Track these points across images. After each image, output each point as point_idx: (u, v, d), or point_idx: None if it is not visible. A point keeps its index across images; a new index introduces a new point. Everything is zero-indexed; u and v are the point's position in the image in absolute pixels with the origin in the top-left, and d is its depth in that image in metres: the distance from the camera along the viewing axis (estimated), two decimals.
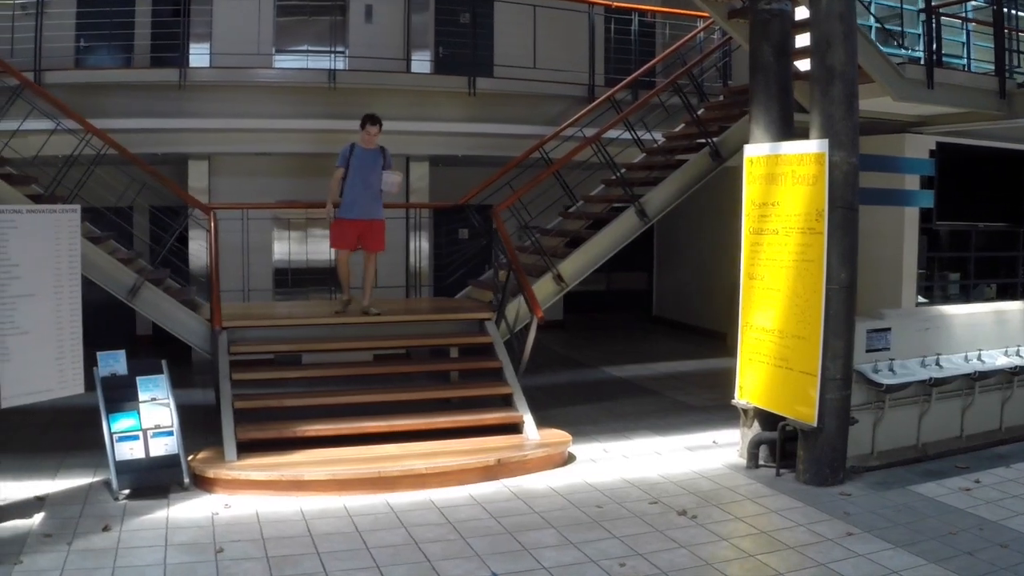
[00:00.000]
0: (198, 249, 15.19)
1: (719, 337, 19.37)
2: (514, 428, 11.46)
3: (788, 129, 10.86)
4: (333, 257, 17.31)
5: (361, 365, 12.43)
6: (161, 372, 10.03)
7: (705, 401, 14.28)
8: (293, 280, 17.71)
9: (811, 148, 9.97)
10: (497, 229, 13.07)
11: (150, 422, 9.72)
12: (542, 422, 11.66)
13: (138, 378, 9.88)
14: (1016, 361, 12.27)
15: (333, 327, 12.41)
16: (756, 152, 10.84)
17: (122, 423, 9.61)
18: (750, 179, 10.89)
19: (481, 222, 15.35)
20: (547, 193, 14.48)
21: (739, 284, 16.79)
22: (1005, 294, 16.85)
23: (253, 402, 11.01)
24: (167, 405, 9.85)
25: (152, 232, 14.95)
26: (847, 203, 9.90)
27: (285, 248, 17.48)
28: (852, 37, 9.98)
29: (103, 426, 9.54)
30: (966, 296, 16.21)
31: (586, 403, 13.94)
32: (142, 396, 9.81)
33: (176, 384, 10.27)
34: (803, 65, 11.88)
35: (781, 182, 10.39)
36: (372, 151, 12.47)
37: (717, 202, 15.86)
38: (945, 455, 11.50)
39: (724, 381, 14.70)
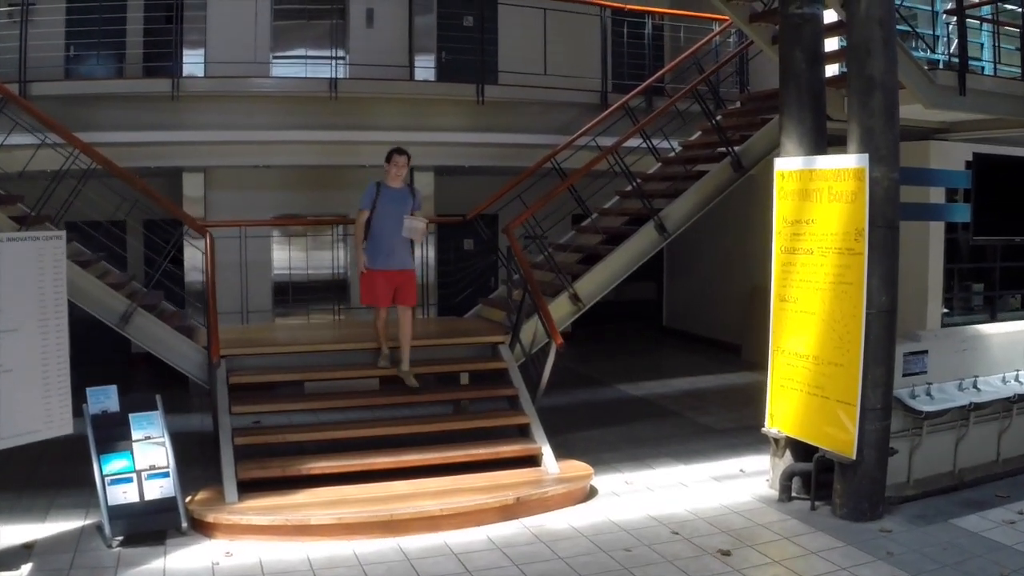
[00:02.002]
0: (193, 260, 14.56)
1: (733, 349, 19.01)
2: (532, 460, 10.91)
3: (822, 141, 10.30)
4: (334, 269, 17.00)
5: (367, 395, 11.81)
6: (155, 408, 9.44)
7: (727, 422, 13.77)
8: (294, 294, 17.18)
9: (850, 163, 9.38)
10: (511, 247, 12.50)
11: (144, 463, 9.12)
12: (560, 449, 11.12)
13: (131, 415, 9.28)
14: None
15: (336, 354, 11.88)
16: (788, 166, 10.24)
17: (114, 464, 9.01)
18: (781, 195, 10.29)
19: (490, 236, 14.78)
20: (557, 201, 13.94)
21: (753, 294, 16.58)
22: None
23: (254, 438, 10.43)
24: (162, 444, 9.27)
25: (146, 247, 14.32)
26: (888, 221, 9.35)
27: (285, 262, 16.91)
28: (892, 44, 9.44)
29: (94, 468, 8.95)
30: (991, 308, 15.80)
31: (604, 426, 13.42)
32: (135, 435, 9.21)
33: (172, 408, 9.83)
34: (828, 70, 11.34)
35: (816, 199, 9.80)
36: (400, 190, 11.31)
37: (730, 208, 15.34)
38: (983, 481, 11.03)
39: (743, 399, 14.47)
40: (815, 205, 9.82)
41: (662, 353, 19.91)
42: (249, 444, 10.27)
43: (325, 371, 11.57)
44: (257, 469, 9.93)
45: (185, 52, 15.42)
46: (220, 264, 12.42)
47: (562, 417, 13.15)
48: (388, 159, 11.26)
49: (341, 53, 16.94)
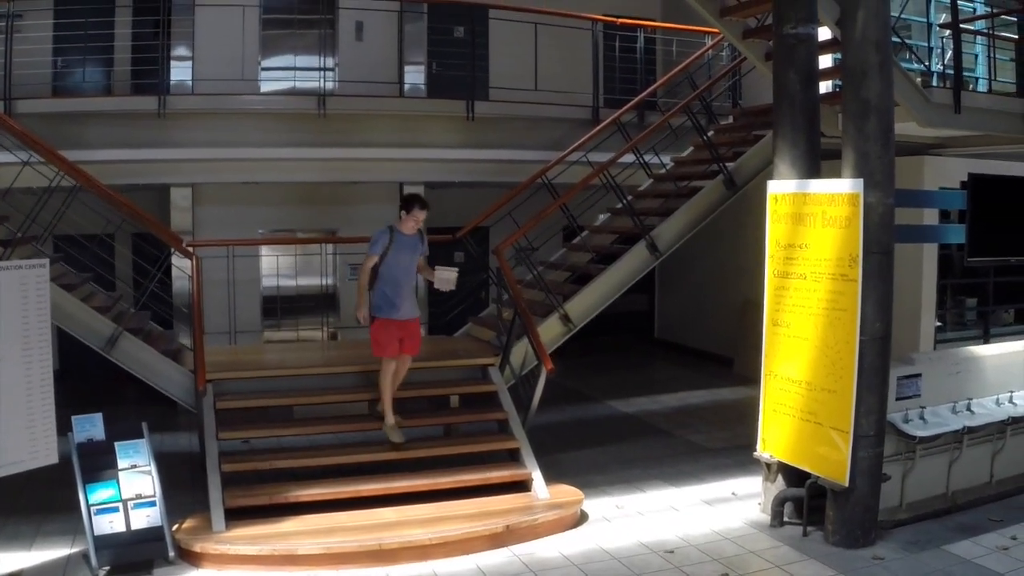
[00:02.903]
0: (181, 276, 14.26)
1: (724, 362, 18.98)
2: (522, 485, 10.80)
3: (815, 164, 10.20)
4: (323, 282, 16.91)
5: (355, 420, 11.66)
6: (142, 436, 9.30)
7: (718, 442, 13.67)
8: (283, 307, 17.07)
9: (844, 188, 9.28)
10: (501, 269, 12.41)
11: (130, 492, 9.00)
12: (549, 470, 11.04)
13: (116, 443, 9.14)
14: None
15: (325, 377, 11.76)
16: (781, 189, 10.13)
17: (100, 494, 8.89)
18: (774, 218, 10.19)
19: (480, 254, 14.67)
20: (548, 219, 13.85)
21: (745, 308, 16.52)
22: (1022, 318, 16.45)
23: (241, 464, 10.28)
24: (149, 472, 9.14)
25: (134, 258, 14.22)
26: (883, 247, 9.26)
27: (274, 275, 16.76)
28: (888, 67, 9.32)
29: (80, 497, 8.83)
30: (984, 322, 15.76)
31: (593, 446, 13.31)
32: (121, 463, 9.09)
33: (159, 426, 9.75)
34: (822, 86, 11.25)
35: (809, 223, 9.69)
36: (412, 237, 10.84)
37: (722, 221, 15.21)
38: (976, 504, 10.97)
39: (735, 416, 14.48)
40: (809, 230, 9.71)
41: (653, 366, 19.80)
42: (237, 471, 10.15)
43: (314, 395, 11.45)
44: (245, 496, 9.83)
45: (173, 67, 15.33)
46: (208, 281, 12.44)
47: (552, 436, 13.13)
48: (406, 208, 10.74)
49: (330, 67, 16.80)
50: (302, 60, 16.96)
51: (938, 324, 14.81)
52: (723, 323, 19.25)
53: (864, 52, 9.21)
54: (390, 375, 10.77)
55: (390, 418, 10.85)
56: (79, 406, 9.60)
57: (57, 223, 11.42)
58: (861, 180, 9.12)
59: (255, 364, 12.36)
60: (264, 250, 16.94)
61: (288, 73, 17.02)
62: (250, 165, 14.85)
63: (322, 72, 15.78)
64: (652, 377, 18.46)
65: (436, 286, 11.03)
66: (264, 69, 16.83)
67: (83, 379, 10.98)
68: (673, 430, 14.41)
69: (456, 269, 11.09)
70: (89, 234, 12.39)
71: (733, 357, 18.75)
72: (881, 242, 9.23)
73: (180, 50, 15.52)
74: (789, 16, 10.05)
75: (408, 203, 10.79)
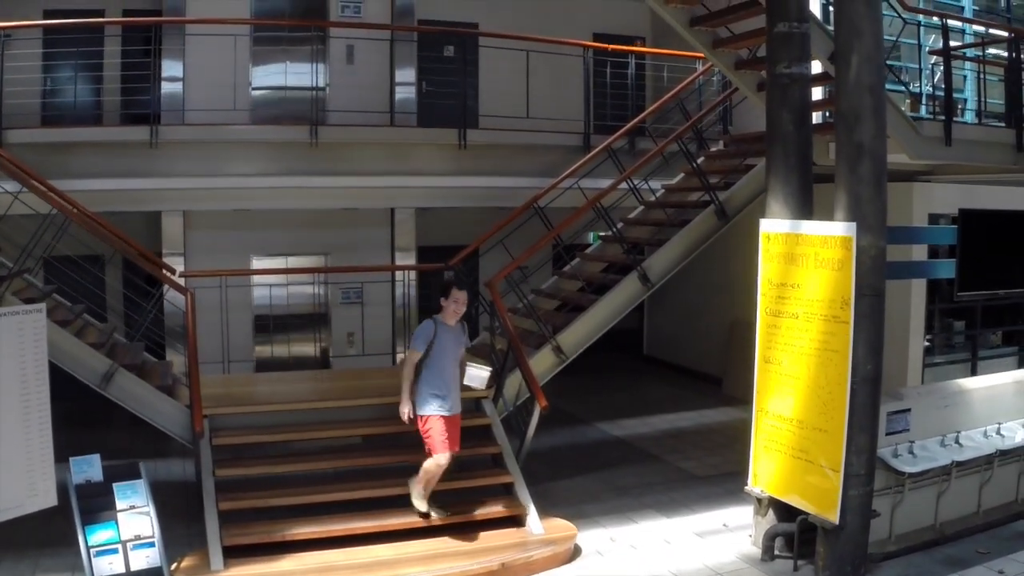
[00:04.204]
0: (175, 300, 14.31)
1: (714, 381, 19.00)
2: (516, 520, 10.85)
3: (808, 203, 10.27)
4: (314, 302, 16.91)
5: (351, 454, 11.73)
6: (139, 476, 9.32)
7: (708, 468, 13.70)
8: (275, 327, 17.06)
9: (837, 231, 9.33)
10: (494, 303, 12.48)
11: (129, 533, 8.99)
12: (542, 500, 11.15)
13: (114, 484, 9.14)
14: None
15: (321, 411, 11.76)
16: (774, 228, 10.19)
17: (100, 535, 8.87)
18: (767, 256, 10.24)
19: (471, 282, 14.70)
20: (532, 233, 14.10)
21: (734, 328, 16.58)
22: (1011, 341, 16.50)
23: (238, 502, 10.31)
24: (147, 513, 9.14)
25: (126, 284, 14.21)
26: (875, 290, 9.31)
27: (266, 295, 16.71)
28: (882, 110, 9.39)
29: (79, 539, 8.80)
30: (972, 345, 15.83)
31: (585, 473, 13.33)
32: (120, 504, 9.08)
33: (153, 452, 9.71)
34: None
35: (802, 263, 9.76)
36: (455, 328, 10.40)
37: (712, 241, 15.31)
38: (963, 535, 11.07)
39: (724, 439, 14.58)
40: (801, 270, 9.77)
41: (643, 386, 19.72)
42: (234, 509, 10.17)
43: (310, 430, 11.53)
44: (242, 535, 9.84)
45: (164, 96, 15.40)
46: (200, 306, 12.37)
47: (543, 462, 13.11)
48: (445, 293, 10.31)
49: (322, 93, 16.79)
50: (293, 89, 16.95)
51: (926, 343, 14.88)
52: (712, 342, 19.29)
53: (858, 96, 9.27)
54: (440, 471, 10.31)
55: (423, 506, 10.47)
56: (73, 429, 9.61)
57: (48, 254, 11.60)
58: (854, 224, 9.17)
59: (250, 397, 12.39)
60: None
61: (280, 100, 17.01)
62: (242, 193, 14.89)
63: (314, 101, 15.75)
64: (642, 397, 18.40)
65: (465, 381, 10.64)
66: (255, 92, 16.85)
67: (75, 399, 10.99)
68: (664, 455, 14.42)
69: (489, 368, 10.92)
70: (80, 255, 12.46)
71: (722, 376, 18.80)
72: (873, 285, 9.28)
73: (171, 79, 15.56)
74: (782, 56, 10.12)
75: (446, 289, 10.39)
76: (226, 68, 15.39)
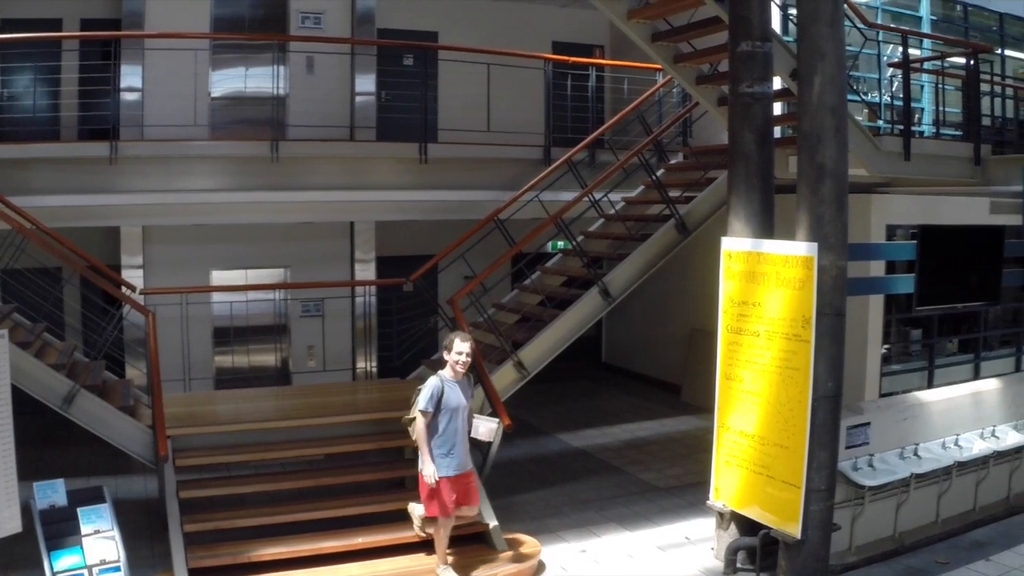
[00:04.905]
0: (134, 316, 14.24)
1: (672, 389, 19.10)
2: (480, 537, 10.89)
3: (769, 222, 10.32)
4: (274, 314, 16.85)
5: (315, 473, 11.72)
6: (104, 500, 9.26)
7: (669, 480, 13.78)
8: (235, 339, 16.97)
9: (798, 250, 9.36)
10: (456, 320, 12.50)
11: (95, 558, 8.91)
12: (504, 514, 11.19)
13: (79, 509, 9.08)
14: (993, 445, 12.13)
15: (284, 430, 11.73)
16: (736, 247, 10.23)
17: (65, 560, 8.79)
18: (728, 274, 10.28)
19: (431, 296, 14.71)
20: (492, 245, 14.15)
21: (692, 336, 16.64)
22: (967, 348, 16.63)
23: (203, 524, 10.28)
24: (112, 538, 9.07)
25: (85, 298, 14.12)
26: (836, 309, 9.35)
27: (226, 308, 16.58)
28: (843, 131, 9.42)
29: (44, 564, 8.71)
30: (929, 353, 15.95)
31: (547, 486, 13.37)
32: (84, 529, 9.00)
33: (113, 469, 9.59)
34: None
35: (763, 282, 9.80)
36: (462, 383, 10.03)
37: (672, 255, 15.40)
38: (922, 544, 11.28)
39: (684, 449, 14.71)
40: (762, 288, 9.81)
41: (602, 395, 19.74)
42: (199, 531, 10.14)
43: (274, 449, 11.51)
44: (208, 557, 9.81)
45: (123, 111, 15.27)
46: (160, 320, 12.36)
47: (505, 475, 13.15)
48: (448, 346, 9.99)
49: (283, 108, 16.73)
50: (253, 100, 16.89)
51: (884, 351, 14.98)
52: (671, 350, 19.37)
53: (820, 117, 9.29)
54: (446, 531, 10.07)
55: (443, 569, 10.13)
56: (32, 446, 9.51)
57: (15, 259, 11.51)
58: (816, 244, 9.22)
59: (213, 417, 12.36)
60: (215, 279, 16.82)
61: (240, 113, 16.94)
62: (202, 208, 14.74)
63: (274, 116, 15.73)
64: (601, 407, 18.43)
65: (473, 434, 10.17)
66: (215, 105, 16.75)
67: (33, 415, 10.91)
68: (625, 466, 14.49)
69: (497, 420, 10.42)
70: (36, 268, 12.37)
71: (680, 385, 18.88)
72: (834, 304, 9.32)
73: (130, 94, 15.46)
74: (745, 75, 10.15)
75: (448, 344, 10.02)
76: (186, 81, 15.35)
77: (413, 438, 9.97)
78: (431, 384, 9.82)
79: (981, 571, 10.46)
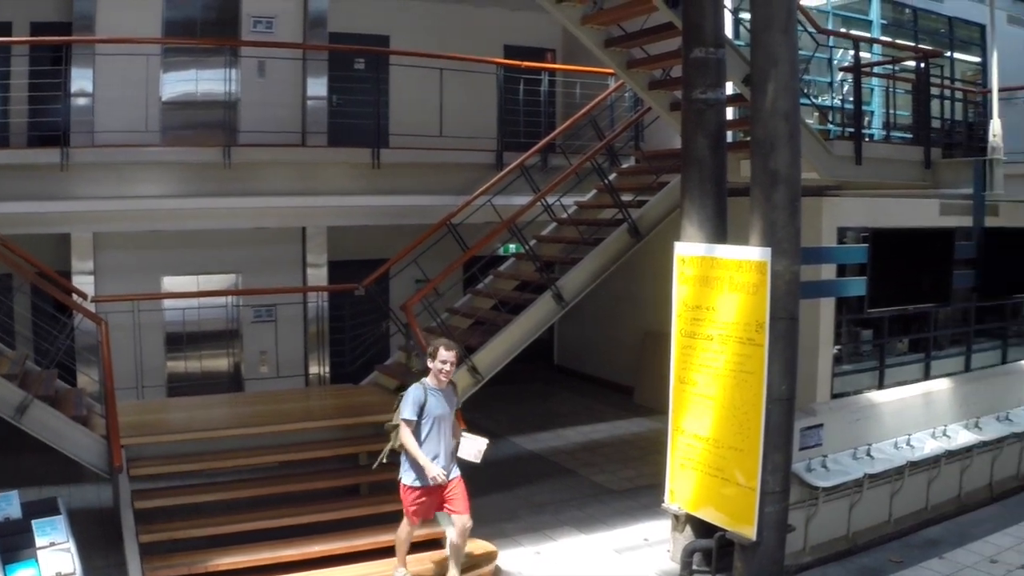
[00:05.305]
0: (86, 323, 14.10)
1: (625, 391, 19.11)
2: (437, 543, 10.93)
3: (722, 227, 10.32)
4: (226, 320, 16.74)
5: (271, 481, 11.68)
6: (58, 512, 9.19)
7: (624, 482, 13.84)
8: (187, 345, 16.83)
9: (752, 255, 9.40)
10: (409, 325, 12.48)
11: (50, 570, 8.80)
12: None
13: (34, 522, 8.99)
14: (944, 445, 12.24)
15: (239, 438, 11.70)
16: (689, 252, 10.24)
17: (20, 574, 8.72)
18: (682, 279, 10.30)
19: (384, 301, 14.70)
20: (445, 250, 14.21)
21: (645, 339, 16.66)
22: (917, 348, 16.76)
23: (159, 534, 10.21)
24: (68, 550, 8.98)
25: (35, 306, 13.99)
26: (789, 313, 9.41)
27: (177, 314, 16.46)
28: (797, 137, 9.45)
29: None
30: (880, 353, 16.06)
31: (502, 490, 13.35)
32: (39, 542, 8.90)
33: (65, 478, 9.48)
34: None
35: (716, 286, 9.83)
36: (446, 391, 9.94)
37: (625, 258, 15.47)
38: (876, 543, 11.39)
39: (638, 452, 14.81)
40: (716, 293, 9.83)
41: (554, 396, 19.83)
42: (154, 541, 10.07)
43: (229, 457, 11.45)
44: (164, 567, 9.74)
45: (74, 117, 15.08)
46: (112, 327, 12.28)
47: None
48: (432, 354, 9.84)
49: (235, 111, 16.61)
50: (205, 104, 16.78)
51: (835, 351, 15.07)
52: (623, 352, 19.42)
53: (774, 124, 9.31)
54: (408, 534, 10.11)
55: (401, 572, 10.18)
56: None
57: None
58: (769, 249, 9.26)
59: (167, 425, 12.28)
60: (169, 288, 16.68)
61: (191, 117, 16.82)
62: (154, 214, 14.65)
63: (226, 122, 15.65)
64: (554, 409, 18.51)
65: (461, 455, 10.07)
66: (167, 110, 16.61)
67: None
68: (579, 469, 14.53)
69: (485, 440, 10.18)
70: None
71: (633, 386, 18.92)
72: (787, 308, 9.37)
73: (81, 99, 15.30)
74: (698, 81, 10.15)
75: (432, 351, 9.86)
76: (137, 85, 15.27)
77: (396, 445, 9.92)
78: (413, 392, 9.74)
79: (935, 569, 10.57)
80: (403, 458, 9.84)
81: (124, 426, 10.85)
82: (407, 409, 9.65)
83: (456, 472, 10.03)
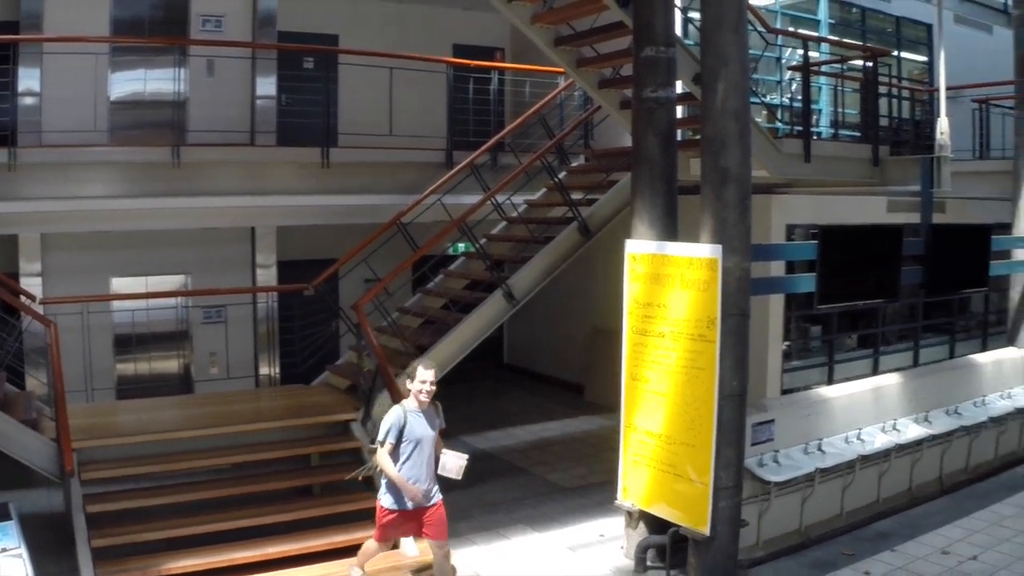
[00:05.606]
0: (33, 325, 13.97)
1: (575, 389, 19.14)
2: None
3: (673, 225, 10.41)
4: (175, 320, 16.63)
5: (223, 483, 11.56)
6: (9, 517, 9.10)
7: (576, 480, 13.87)
8: (137, 347, 16.69)
9: (703, 252, 9.47)
10: (360, 325, 12.45)
11: None
12: None
13: None
14: (895, 438, 12.30)
15: (190, 440, 11.64)
16: (640, 249, 10.30)
17: None
18: (633, 276, 10.35)
19: (333, 300, 14.66)
20: (394, 249, 14.22)
21: (595, 336, 16.68)
22: (865, 344, 16.89)
23: (112, 539, 10.11)
24: (20, 556, 8.88)
25: None
26: (740, 309, 9.49)
27: (126, 316, 16.29)
28: (747, 136, 9.53)
29: None
30: (829, 349, 16.17)
31: (455, 490, 13.01)
32: None
33: (13, 483, 9.43)
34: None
35: (668, 284, 9.89)
36: (427, 412, 9.52)
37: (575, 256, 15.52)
38: (828, 537, 11.46)
39: (590, 449, 14.86)
40: (667, 290, 9.90)
41: (505, 395, 19.86)
42: (107, 546, 9.98)
43: (180, 459, 11.38)
44: (117, 572, 9.66)
45: (20, 117, 14.93)
46: (60, 329, 12.10)
47: None
48: (411, 375, 9.51)
49: (183, 111, 16.43)
50: (153, 104, 16.64)
51: (784, 348, 15.16)
52: (573, 350, 19.46)
53: (724, 123, 9.37)
54: (376, 550, 9.84)
55: (355, 571, 10.00)
56: None
57: None
58: (720, 246, 9.32)
59: (117, 428, 12.17)
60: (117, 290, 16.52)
61: (140, 116, 16.66)
62: (102, 214, 14.46)
63: (175, 121, 15.50)
64: (505, 408, 18.52)
65: (441, 471, 9.57)
66: (115, 109, 16.44)
67: None
68: (531, 467, 14.55)
69: (466, 456, 9.71)
70: None
71: (584, 384, 18.96)
72: (738, 304, 9.45)
73: (28, 98, 15.13)
74: (649, 80, 10.24)
75: (411, 372, 9.54)
76: (85, 85, 15.10)
77: (376, 470, 9.74)
78: (392, 414, 9.36)
79: (887, 561, 10.65)
80: (383, 480, 9.50)
81: (75, 429, 10.72)
82: (383, 433, 9.28)
83: (438, 496, 9.66)
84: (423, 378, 9.34)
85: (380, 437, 9.30)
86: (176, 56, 15.91)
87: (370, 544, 9.80)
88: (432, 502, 9.55)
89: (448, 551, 9.81)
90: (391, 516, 9.44)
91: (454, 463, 9.56)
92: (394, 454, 9.26)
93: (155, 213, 14.78)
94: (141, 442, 11.48)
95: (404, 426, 9.26)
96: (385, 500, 9.44)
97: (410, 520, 9.51)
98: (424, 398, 9.37)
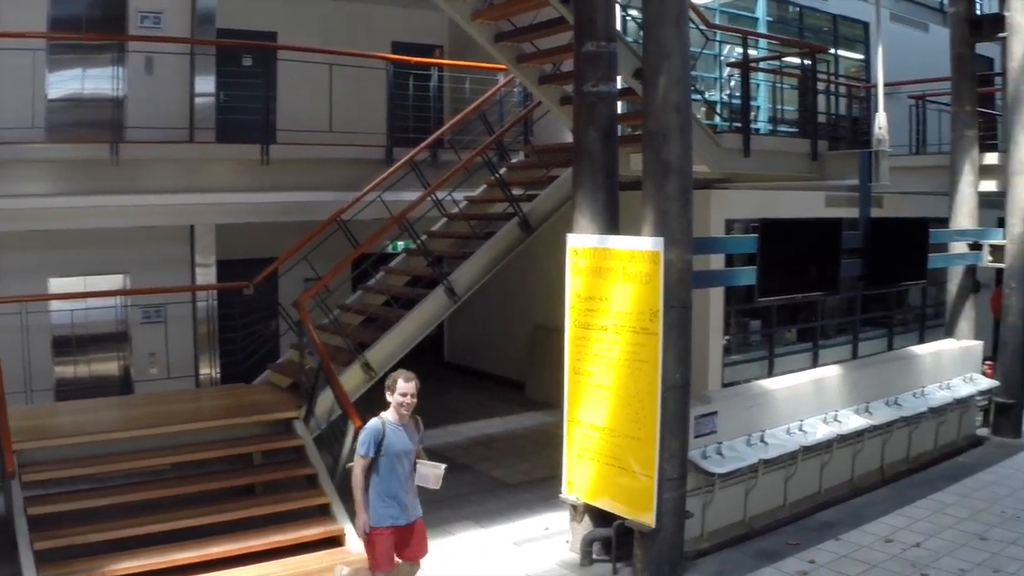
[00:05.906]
0: None
1: (516, 386, 19.17)
2: (335, 540, 10.86)
3: (614, 219, 10.47)
4: (114, 321, 16.46)
5: (164, 484, 11.44)
6: None
7: (520, 476, 13.94)
8: (76, 348, 16.52)
9: (644, 245, 9.53)
10: (302, 322, 12.41)
11: None
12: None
13: None
14: (836, 429, 12.39)
15: (131, 440, 11.54)
16: (581, 243, 10.35)
17: None
18: (575, 270, 10.39)
19: (272, 299, 14.60)
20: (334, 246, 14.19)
21: (536, 333, 16.70)
22: (805, 337, 17.03)
23: (54, 540, 9.98)
24: None
25: None
26: (682, 302, 9.59)
27: (65, 316, 16.11)
28: (688, 129, 9.62)
29: None
30: (769, 342, 16.29)
31: None
32: None
33: None
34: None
35: (609, 277, 9.95)
36: (407, 426, 9.08)
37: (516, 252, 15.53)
38: (772, 528, 11.54)
39: (533, 446, 14.89)
40: (609, 284, 9.96)
41: (446, 393, 19.68)
42: (50, 548, 9.87)
43: (121, 460, 11.26)
44: (61, 574, 9.58)
45: None
46: None
47: None
48: (390, 389, 9.11)
49: (121, 107, 16.27)
50: (91, 101, 16.45)
51: (724, 339, 15.26)
52: (514, 347, 19.51)
53: (666, 116, 9.45)
54: None
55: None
56: None
57: None
58: (662, 239, 9.38)
59: (58, 429, 12.03)
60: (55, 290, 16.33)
61: (78, 114, 16.46)
62: (39, 213, 14.26)
63: (113, 118, 15.29)
64: (447, 405, 18.39)
65: (417, 482, 9.15)
66: (52, 106, 16.25)
67: None
68: (475, 464, 14.61)
69: (444, 466, 9.28)
70: None
71: (525, 381, 18.99)
72: (680, 297, 9.53)
73: None
74: (590, 75, 10.29)
75: (391, 384, 9.11)
76: (22, 82, 14.87)
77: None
78: (371, 427, 8.95)
79: (832, 550, 10.72)
80: (373, 501, 8.94)
81: (14, 431, 10.62)
82: (361, 446, 8.88)
83: (419, 512, 9.24)
84: (403, 390, 8.96)
85: (358, 451, 8.90)
86: (114, 54, 15.76)
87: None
88: (414, 519, 9.18)
89: (418, 572, 9.50)
90: (380, 533, 8.92)
91: (430, 473, 9.18)
92: (371, 469, 8.88)
93: (93, 211, 14.57)
94: (82, 443, 11.33)
95: (382, 439, 8.85)
96: (374, 520, 8.90)
97: (396, 537, 9.06)
98: (404, 411, 8.98)
